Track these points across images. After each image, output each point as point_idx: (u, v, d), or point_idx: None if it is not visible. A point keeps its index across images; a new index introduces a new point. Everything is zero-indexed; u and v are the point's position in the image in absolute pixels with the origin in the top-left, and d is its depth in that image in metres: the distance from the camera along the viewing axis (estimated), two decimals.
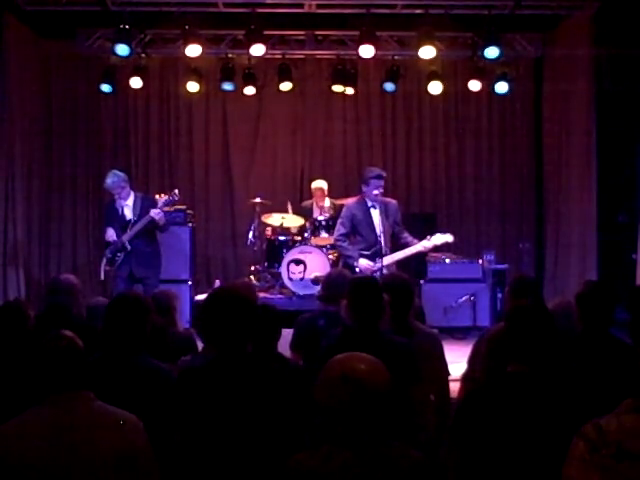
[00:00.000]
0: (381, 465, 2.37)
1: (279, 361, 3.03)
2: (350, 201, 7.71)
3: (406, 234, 7.34)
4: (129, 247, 7.53)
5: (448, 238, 7.34)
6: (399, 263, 7.26)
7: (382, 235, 7.03)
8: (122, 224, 7.59)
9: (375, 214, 7.15)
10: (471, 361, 4.18)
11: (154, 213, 7.51)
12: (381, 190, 7.19)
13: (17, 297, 6.82)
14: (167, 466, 2.80)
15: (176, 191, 7.88)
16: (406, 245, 7.27)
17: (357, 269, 7.08)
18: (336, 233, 7.47)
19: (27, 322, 4.22)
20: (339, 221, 7.48)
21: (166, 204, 7.82)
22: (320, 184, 9.74)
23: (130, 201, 7.64)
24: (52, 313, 4.72)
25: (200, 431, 2.85)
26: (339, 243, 7.40)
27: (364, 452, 2.37)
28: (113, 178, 7.61)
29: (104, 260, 7.67)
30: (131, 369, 3.28)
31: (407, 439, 3.14)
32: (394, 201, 7.49)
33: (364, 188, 7.25)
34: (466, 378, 4.10)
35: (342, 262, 7.55)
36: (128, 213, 7.62)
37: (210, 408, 2.85)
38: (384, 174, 7.31)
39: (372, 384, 2.40)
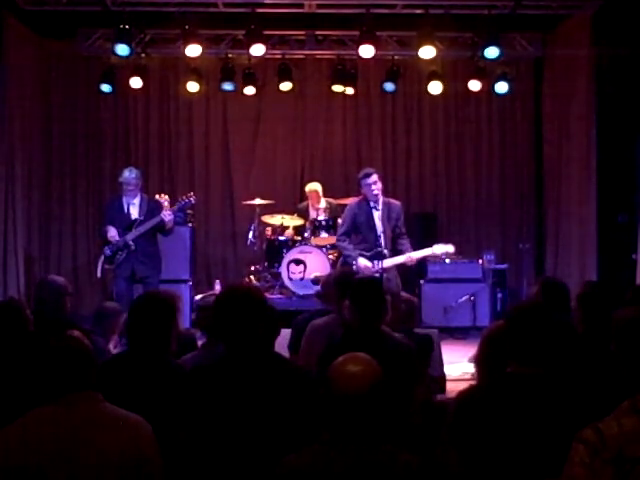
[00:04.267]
0: (365, 466, 2.38)
1: (278, 361, 3.03)
2: (353, 200, 7.70)
3: (404, 241, 7.23)
4: (133, 246, 7.46)
5: (449, 248, 7.31)
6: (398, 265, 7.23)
7: (382, 237, 6.97)
8: (126, 223, 7.52)
9: (376, 215, 7.10)
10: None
11: (165, 215, 7.45)
12: (378, 187, 7.14)
13: (12, 297, 6.74)
14: (176, 465, 2.79)
15: (191, 193, 7.87)
16: (400, 253, 7.16)
17: (355, 268, 7.06)
18: (338, 232, 7.51)
19: (26, 323, 4.21)
20: (342, 220, 7.54)
21: (181, 208, 7.79)
22: (314, 187, 9.71)
23: (137, 200, 7.60)
24: (39, 315, 4.71)
25: (210, 429, 2.84)
26: (339, 242, 7.41)
27: (349, 453, 2.37)
28: (131, 173, 7.62)
29: (102, 258, 7.60)
30: (153, 370, 3.27)
31: (406, 439, 3.14)
32: (398, 203, 7.44)
33: (362, 190, 7.26)
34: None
35: (341, 261, 7.52)
36: (134, 212, 7.57)
37: (220, 406, 2.83)
38: (371, 171, 7.21)
39: (359, 387, 2.40)
